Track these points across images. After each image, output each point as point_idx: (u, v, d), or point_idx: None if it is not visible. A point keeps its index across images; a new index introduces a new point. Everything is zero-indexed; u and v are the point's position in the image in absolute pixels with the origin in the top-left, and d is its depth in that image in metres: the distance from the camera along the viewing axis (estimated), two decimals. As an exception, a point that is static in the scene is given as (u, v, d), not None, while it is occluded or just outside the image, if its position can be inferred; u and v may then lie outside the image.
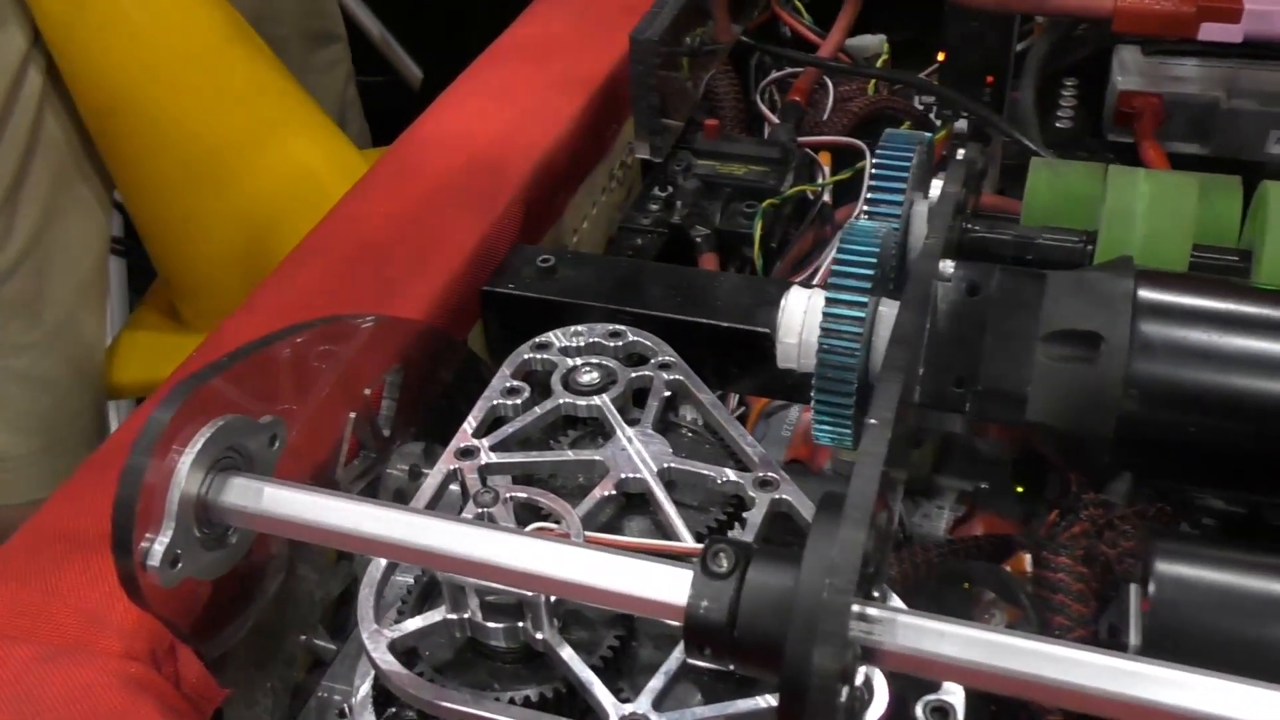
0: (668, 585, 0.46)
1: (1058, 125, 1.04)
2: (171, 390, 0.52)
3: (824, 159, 1.04)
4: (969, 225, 0.66)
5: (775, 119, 1.09)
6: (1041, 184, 0.72)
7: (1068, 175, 0.72)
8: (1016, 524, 0.74)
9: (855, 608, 0.41)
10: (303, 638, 0.66)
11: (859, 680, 0.49)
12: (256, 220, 1.27)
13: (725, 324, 0.75)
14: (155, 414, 0.50)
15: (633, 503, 0.64)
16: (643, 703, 0.51)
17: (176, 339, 1.37)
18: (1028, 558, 0.59)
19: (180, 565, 0.51)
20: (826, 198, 1.02)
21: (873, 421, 0.45)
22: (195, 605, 0.55)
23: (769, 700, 0.52)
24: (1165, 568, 0.48)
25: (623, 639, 0.57)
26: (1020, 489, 0.77)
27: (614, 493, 0.62)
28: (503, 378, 0.69)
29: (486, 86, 0.98)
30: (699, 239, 0.94)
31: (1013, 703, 0.52)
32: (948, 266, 0.57)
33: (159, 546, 0.50)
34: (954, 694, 0.50)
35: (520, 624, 0.56)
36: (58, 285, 1.22)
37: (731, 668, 0.46)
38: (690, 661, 0.53)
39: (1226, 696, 0.40)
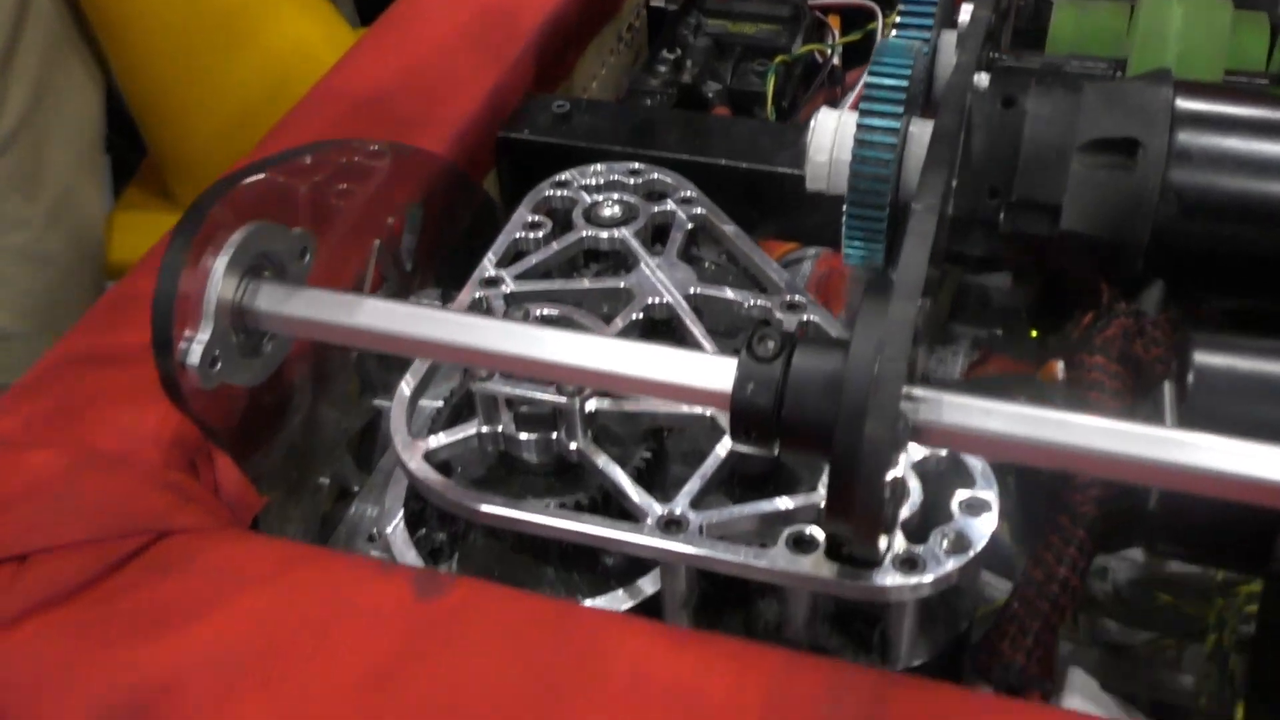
0: (713, 372, 0.46)
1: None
2: (203, 194, 0.51)
3: (833, 23, 1.03)
4: (996, 55, 0.65)
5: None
6: (1066, 22, 0.71)
7: (1093, 12, 0.71)
8: (1032, 367, 0.75)
9: (909, 389, 0.42)
10: (324, 481, 0.66)
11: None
12: (252, 94, 1.26)
13: (745, 165, 0.75)
14: (188, 214, 0.50)
15: (658, 331, 0.64)
16: (680, 502, 0.52)
17: (171, 218, 1.35)
18: (1059, 365, 0.59)
19: (219, 367, 0.51)
20: (836, 61, 1.01)
21: (918, 207, 0.45)
22: (231, 419, 0.55)
23: (795, 501, 0.52)
24: (1203, 358, 0.48)
25: (655, 452, 0.57)
26: (1036, 333, 0.77)
27: (641, 317, 0.62)
28: (523, 213, 0.69)
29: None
30: (710, 94, 0.93)
31: (1047, 493, 0.52)
32: (983, 79, 0.56)
33: (198, 345, 0.49)
34: (988, 489, 0.51)
35: (554, 435, 0.56)
36: (55, 159, 1.20)
37: (775, 453, 0.46)
38: (721, 470, 0.54)
39: (1264, 459, 0.41)
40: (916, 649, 0.52)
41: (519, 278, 0.65)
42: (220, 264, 0.50)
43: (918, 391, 0.44)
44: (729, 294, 0.63)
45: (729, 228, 0.68)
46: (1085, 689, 0.52)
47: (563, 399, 0.55)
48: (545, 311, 0.60)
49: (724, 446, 0.54)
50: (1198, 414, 0.47)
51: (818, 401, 0.43)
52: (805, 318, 0.61)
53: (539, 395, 0.55)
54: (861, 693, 0.43)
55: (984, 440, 0.44)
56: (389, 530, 0.58)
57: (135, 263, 1.26)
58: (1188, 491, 0.42)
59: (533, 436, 0.56)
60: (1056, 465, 0.43)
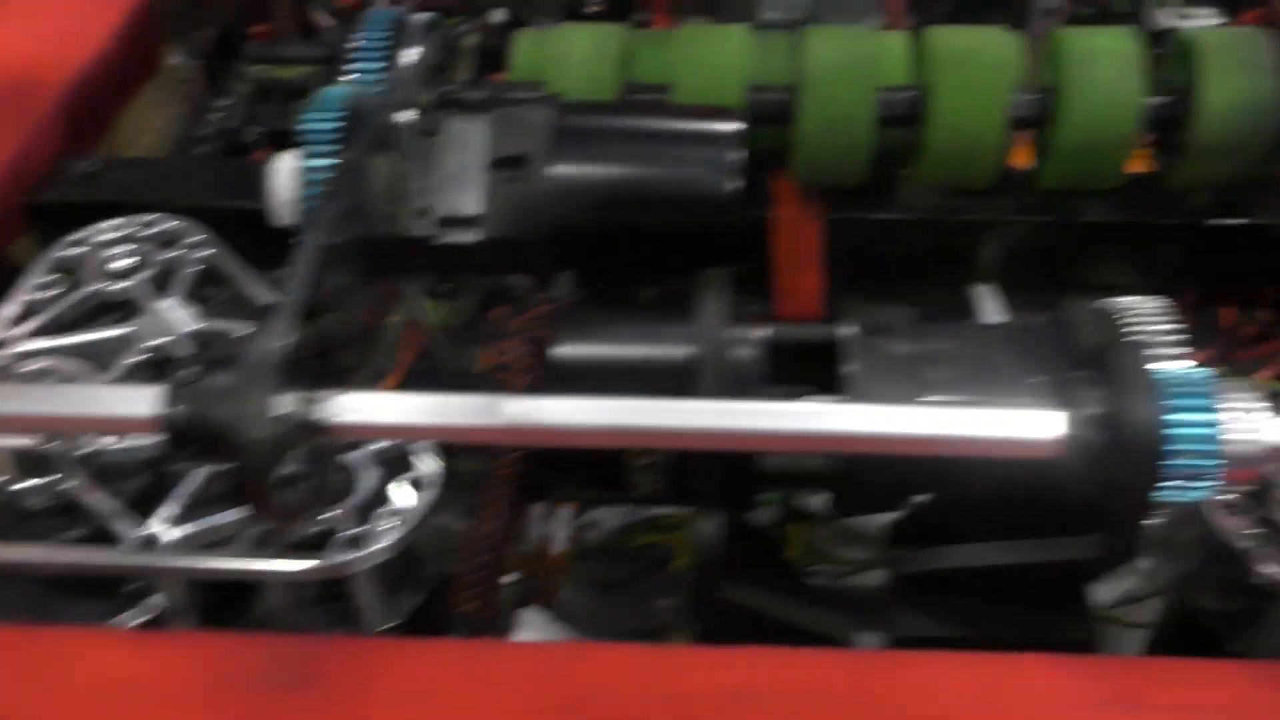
0: (141, 401, 0.52)
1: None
2: None
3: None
4: (446, 89, 0.73)
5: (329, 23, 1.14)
6: (525, 49, 0.80)
7: (550, 39, 0.80)
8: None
9: (302, 394, 0.49)
10: None
11: (339, 466, 0.58)
12: None
13: (254, 205, 0.81)
14: None
15: (169, 368, 0.69)
16: (154, 523, 0.58)
17: None
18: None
19: None
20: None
21: (307, 237, 0.53)
22: None
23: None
24: (560, 350, 0.59)
25: (154, 481, 0.63)
26: None
27: (147, 357, 0.68)
28: (34, 273, 0.73)
29: (10, 10, 0.99)
30: (250, 140, 0.99)
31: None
32: (408, 116, 0.65)
33: None
34: (428, 465, 0.59)
35: (53, 478, 0.61)
36: None
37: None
38: (204, 488, 0.60)
39: (612, 410, 0.51)
40: (389, 613, 0.60)
41: (34, 334, 0.69)
42: None
43: (320, 393, 0.52)
44: (230, 326, 0.70)
45: (233, 265, 0.74)
46: (534, 625, 0.61)
47: (56, 444, 0.60)
48: (38, 366, 0.65)
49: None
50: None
51: (220, 415, 0.50)
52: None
53: (33, 444, 0.60)
54: (293, 656, 0.50)
55: (383, 429, 0.52)
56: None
57: None
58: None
59: (34, 484, 0.61)
60: (450, 439, 0.52)
